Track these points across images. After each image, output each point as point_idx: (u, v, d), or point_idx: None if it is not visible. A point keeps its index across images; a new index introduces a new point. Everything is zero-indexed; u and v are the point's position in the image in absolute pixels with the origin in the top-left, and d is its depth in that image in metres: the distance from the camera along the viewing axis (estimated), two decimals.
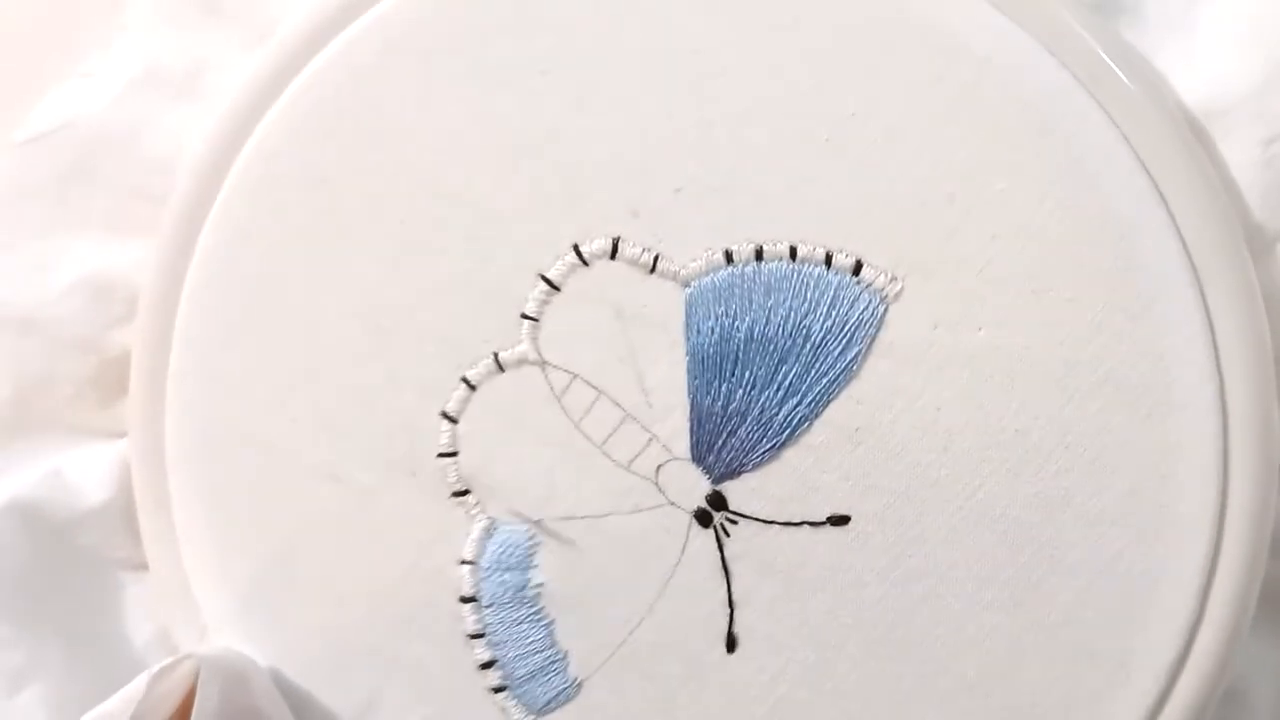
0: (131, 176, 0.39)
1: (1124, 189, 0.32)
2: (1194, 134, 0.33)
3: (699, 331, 0.34)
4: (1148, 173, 0.32)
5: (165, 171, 0.38)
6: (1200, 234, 0.32)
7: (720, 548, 0.35)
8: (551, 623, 0.36)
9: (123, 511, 0.39)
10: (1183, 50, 0.34)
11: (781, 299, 0.34)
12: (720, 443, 0.34)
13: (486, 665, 0.36)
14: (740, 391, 0.34)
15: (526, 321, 0.35)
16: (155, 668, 0.34)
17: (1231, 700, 0.36)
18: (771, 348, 0.34)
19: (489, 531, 0.36)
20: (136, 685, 0.33)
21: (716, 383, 0.34)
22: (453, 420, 0.36)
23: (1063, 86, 0.32)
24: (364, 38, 0.35)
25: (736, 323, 0.34)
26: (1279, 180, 0.33)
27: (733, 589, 0.35)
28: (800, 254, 0.33)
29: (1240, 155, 0.33)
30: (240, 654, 0.37)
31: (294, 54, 0.36)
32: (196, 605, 0.38)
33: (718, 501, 0.35)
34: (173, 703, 0.34)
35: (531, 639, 0.36)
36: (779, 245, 0.34)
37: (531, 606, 0.36)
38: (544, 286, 0.35)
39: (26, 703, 0.38)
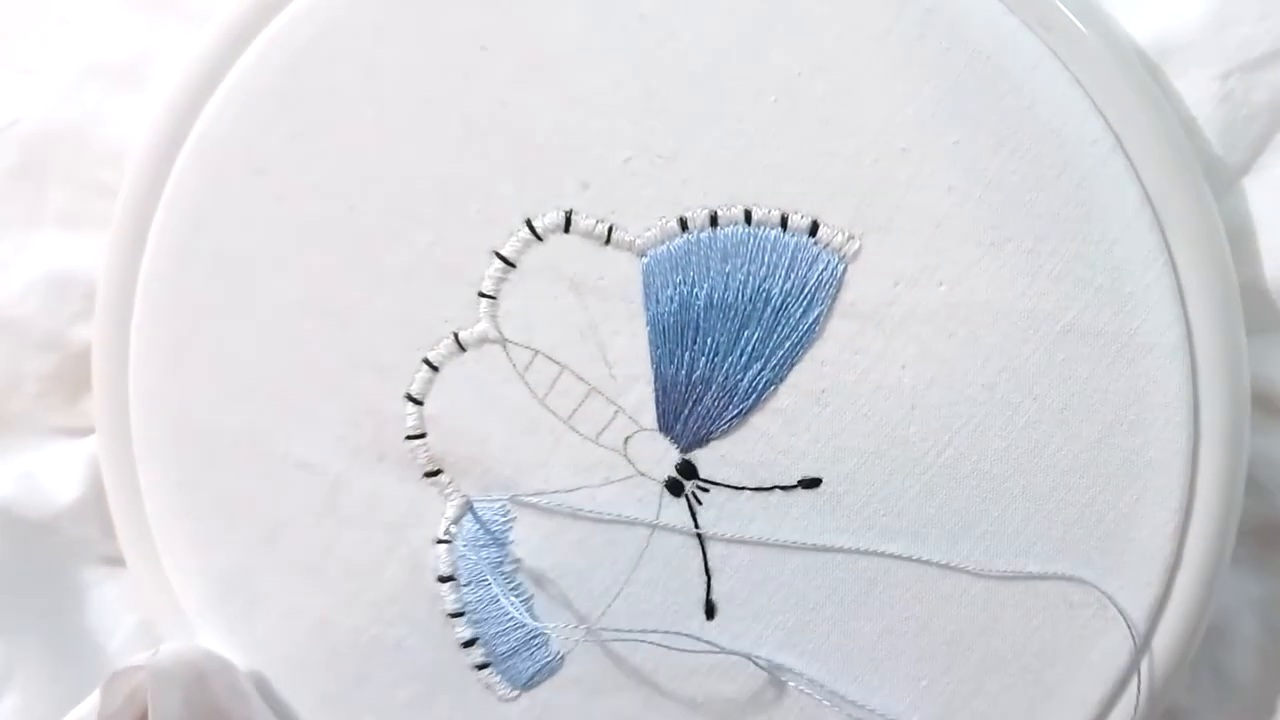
0: (82, 170, 0.38)
1: (1079, 134, 0.31)
2: (1148, 73, 0.32)
3: (658, 301, 0.34)
4: (1103, 116, 0.31)
5: (115, 164, 0.38)
6: (1159, 176, 0.32)
7: (693, 515, 0.34)
8: (530, 597, 0.36)
9: (96, 507, 0.39)
10: None
11: (739, 264, 0.33)
12: (687, 411, 0.34)
13: (468, 643, 0.36)
14: (703, 359, 0.34)
15: (484, 300, 0.34)
16: (105, 679, 0.34)
17: (1215, 636, 0.36)
18: (732, 313, 0.33)
19: (463, 510, 0.36)
20: (91, 700, 0.34)
21: (679, 351, 0.34)
22: (418, 402, 0.35)
23: (1012, 33, 0.31)
24: (300, 20, 0.34)
25: (695, 290, 0.33)
26: (1237, 115, 0.33)
27: (708, 556, 0.35)
28: (755, 217, 0.33)
29: (1197, 91, 0.33)
30: (198, 652, 0.36)
31: (231, 40, 0.35)
32: (175, 597, 0.38)
33: (688, 470, 0.34)
34: (131, 715, 0.34)
35: (511, 615, 0.36)
36: (733, 210, 0.33)
37: (510, 582, 0.36)
38: (499, 264, 0.34)
39: (9, 705, 0.38)
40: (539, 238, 0.34)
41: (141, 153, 0.36)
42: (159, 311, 0.36)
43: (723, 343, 0.34)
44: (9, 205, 0.39)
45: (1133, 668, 0.33)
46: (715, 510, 0.34)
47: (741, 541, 0.34)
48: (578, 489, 0.35)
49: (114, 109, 0.38)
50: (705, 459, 0.34)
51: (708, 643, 0.34)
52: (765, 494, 0.34)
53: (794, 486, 0.34)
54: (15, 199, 0.39)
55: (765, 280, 0.33)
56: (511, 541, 0.36)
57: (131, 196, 0.36)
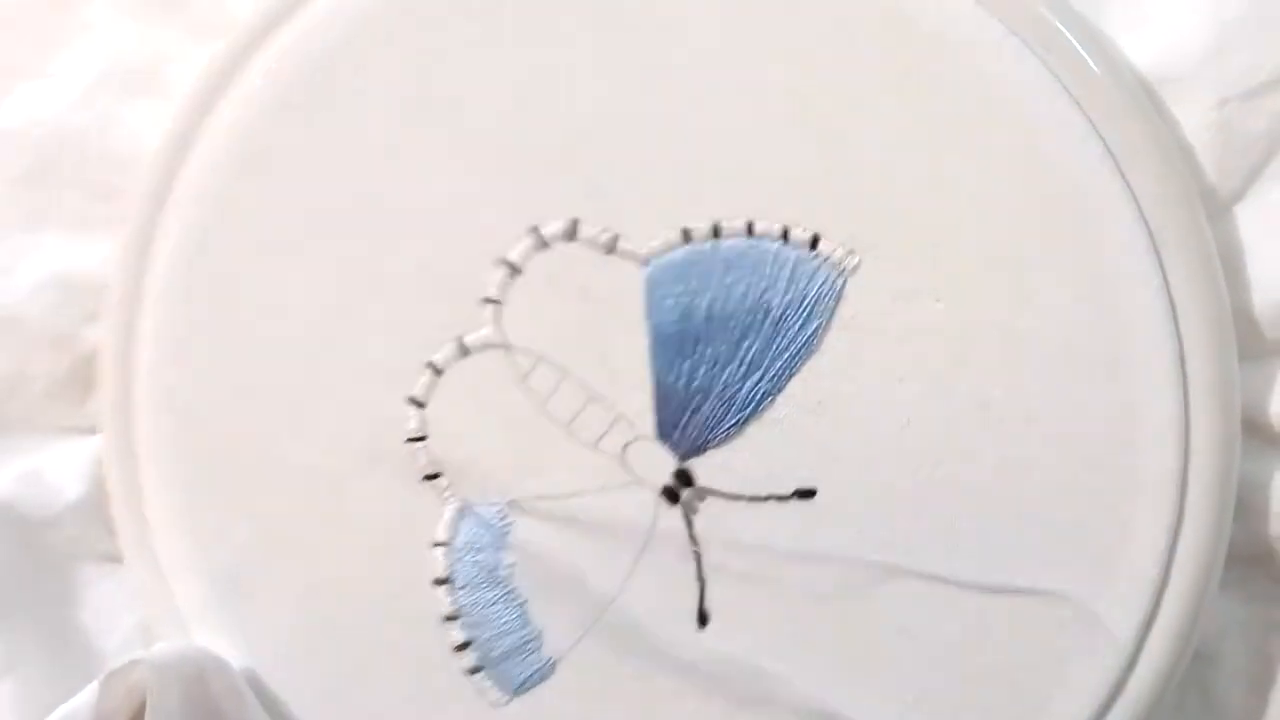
0: (94, 174, 0.39)
1: (1078, 157, 0.32)
2: (1147, 98, 0.33)
3: (660, 310, 0.34)
4: (1102, 140, 0.32)
5: (129, 168, 0.38)
6: (1156, 200, 0.32)
7: (688, 524, 0.35)
8: (525, 602, 0.36)
9: (99, 506, 0.39)
10: (1133, 13, 0.34)
11: (740, 275, 0.34)
12: (685, 420, 0.34)
13: (462, 646, 0.36)
14: (703, 368, 0.34)
15: (489, 305, 0.35)
16: (104, 674, 0.34)
17: (1202, 660, 0.36)
18: (732, 324, 0.34)
19: (461, 513, 0.36)
20: (88, 693, 0.34)
21: (679, 360, 0.34)
22: (420, 405, 0.36)
23: (1013, 55, 0.32)
24: (309, 31, 0.35)
25: (696, 300, 0.34)
26: (1233, 142, 0.33)
27: (702, 565, 0.35)
28: (757, 229, 0.33)
29: (1194, 117, 0.33)
30: (197, 651, 0.37)
31: (243, 48, 0.35)
32: (174, 597, 0.38)
33: (685, 478, 0.35)
34: (129, 711, 0.34)
35: (506, 619, 0.36)
36: (736, 221, 0.34)
37: (505, 587, 0.36)
38: (504, 269, 0.35)
39: (7, 698, 0.38)
40: (545, 244, 0.34)
41: (153, 157, 0.36)
42: (168, 313, 0.37)
43: (722, 353, 0.34)
44: (23, 207, 0.39)
45: (1119, 687, 0.33)
46: (711, 519, 0.35)
47: (736, 550, 0.34)
48: (575, 494, 0.35)
49: (127, 114, 0.39)
50: (702, 467, 0.35)
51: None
52: (761, 503, 0.34)
53: (789, 496, 0.34)
54: (29, 201, 0.39)
55: (766, 292, 0.34)
56: (508, 545, 0.36)
57: (142, 200, 0.37)
